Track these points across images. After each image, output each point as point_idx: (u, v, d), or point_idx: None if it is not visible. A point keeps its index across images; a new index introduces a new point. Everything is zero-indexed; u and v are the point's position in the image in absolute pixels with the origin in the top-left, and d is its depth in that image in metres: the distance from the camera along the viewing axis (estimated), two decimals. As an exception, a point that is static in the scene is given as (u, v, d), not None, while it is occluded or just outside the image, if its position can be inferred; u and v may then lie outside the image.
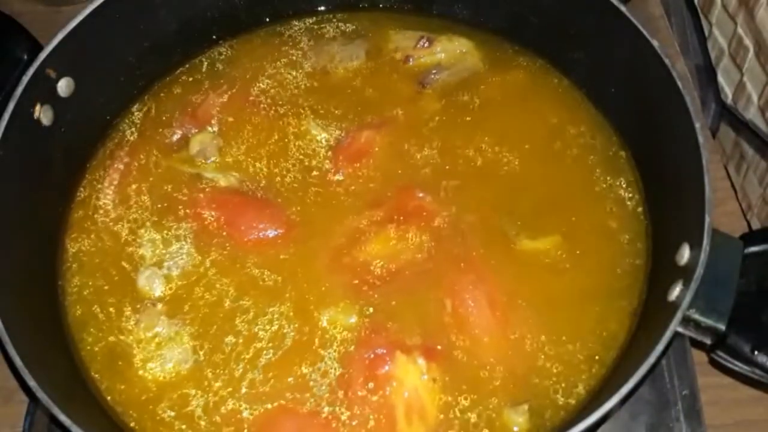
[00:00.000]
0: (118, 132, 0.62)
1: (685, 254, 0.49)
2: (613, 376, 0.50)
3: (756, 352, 0.48)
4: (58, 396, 0.45)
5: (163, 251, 0.56)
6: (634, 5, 0.69)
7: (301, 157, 0.60)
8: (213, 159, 0.60)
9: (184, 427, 0.50)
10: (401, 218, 0.56)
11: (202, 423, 0.50)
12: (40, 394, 0.45)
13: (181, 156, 0.60)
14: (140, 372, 0.52)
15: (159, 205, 0.58)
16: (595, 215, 0.57)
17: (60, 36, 0.54)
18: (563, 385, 0.51)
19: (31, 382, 0.45)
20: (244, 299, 0.54)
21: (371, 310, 0.53)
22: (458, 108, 0.62)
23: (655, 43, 0.53)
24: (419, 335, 0.52)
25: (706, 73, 0.72)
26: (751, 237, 0.51)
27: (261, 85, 0.64)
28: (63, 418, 0.44)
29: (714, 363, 0.52)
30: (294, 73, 0.64)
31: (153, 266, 0.55)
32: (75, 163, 0.60)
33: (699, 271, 0.46)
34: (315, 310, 0.53)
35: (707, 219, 0.47)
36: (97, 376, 0.52)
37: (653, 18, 0.75)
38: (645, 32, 0.54)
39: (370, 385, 0.50)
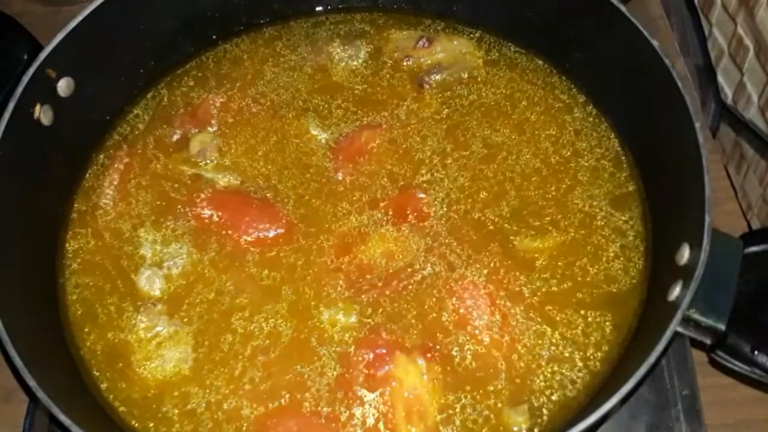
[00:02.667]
0: (118, 132, 0.62)
1: (685, 254, 0.49)
2: (613, 376, 0.50)
3: (756, 352, 0.48)
4: (58, 396, 0.45)
5: (163, 251, 0.56)
6: (634, 5, 0.69)
7: (300, 156, 0.60)
8: (213, 159, 0.60)
9: (185, 424, 0.50)
10: (401, 218, 0.56)
11: (204, 421, 0.50)
12: (40, 394, 0.45)
13: (181, 156, 0.60)
14: (141, 371, 0.52)
15: (159, 205, 0.58)
16: (594, 215, 0.57)
17: (60, 36, 0.54)
18: (563, 384, 0.51)
19: (31, 382, 0.45)
20: (244, 299, 0.54)
21: (371, 309, 0.53)
22: (458, 108, 0.62)
23: (655, 43, 0.53)
24: (419, 335, 0.52)
25: (706, 73, 0.72)
26: (750, 237, 0.51)
27: (261, 85, 0.64)
28: (63, 418, 0.44)
29: (714, 363, 0.52)
30: (294, 74, 0.64)
31: (153, 266, 0.55)
32: (75, 163, 0.60)
33: (699, 271, 0.46)
34: (314, 309, 0.53)
35: (707, 219, 0.47)
36: (98, 375, 0.52)
37: (653, 18, 0.75)
38: (645, 32, 0.54)
39: (370, 385, 0.50)
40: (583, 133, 0.60)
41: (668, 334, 0.45)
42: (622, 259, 0.55)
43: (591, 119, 0.61)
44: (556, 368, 0.51)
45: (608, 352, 0.52)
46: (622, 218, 0.56)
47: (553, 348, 0.52)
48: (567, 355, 0.52)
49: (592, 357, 0.52)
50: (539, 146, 0.60)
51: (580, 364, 0.51)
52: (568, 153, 0.59)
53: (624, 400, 0.44)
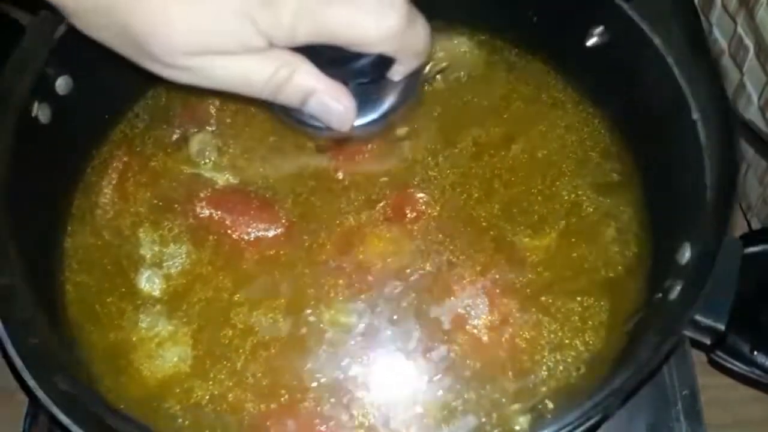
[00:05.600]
0: (117, 131, 0.62)
1: (686, 254, 0.49)
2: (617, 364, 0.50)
3: (755, 352, 0.48)
4: (58, 396, 0.45)
5: (162, 250, 0.56)
6: (635, 6, 0.69)
7: (299, 155, 0.60)
8: (212, 158, 0.60)
9: (188, 417, 0.50)
10: (400, 218, 0.56)
11: (207, 413, 0.50)
12: (40, 394, 0.45)
13: (180, 155, 0.60)
14: (143, 370, 0.52)
15: (158, 205, 0.58)
16: (581, 203, 0.57)
17: (58, 33, 0.54)
18: (568, 371, 0.51)
19: (31, 382, 0.45)
20: (243, 296, 0.54)
21: (370, 309, 0.53)
22: (458, 107, 0.61)
23: (656, 40, 0.53)
24: (418, 336, 0.52)
25: (706, 73, 0.72)
26: (750, 237, 0.51)
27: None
28: (63, 418, 0.44)
29: (713, 363, 0.52)
30: (292, 73, 0.64)
31: (152, 266, 0.55)
32: (74, 161, 0.60)
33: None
34: (314, 308, 0.53)
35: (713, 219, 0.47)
36: (99, 375, 0.52)
37: (653, 18, 0.75)
38: (647, 31, 0.54)
39: (369, 385, 0.50)
40: (574, 128, 0.60)
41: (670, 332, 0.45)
42: (619, 241, 0.55)
43: (584, 115, 0.61)
44: (558, 357, 0.51)
45: (606, 337, 0.52)
46: (611, 204, 0.57)
47: (552, 336, 0.52)
48: (567, 342, 0.52)
49: (591, 341, 0.52)
50: (528, 142, 0.59)
51: (581, 348, 0.52)
52: (555, 146, 0.59)
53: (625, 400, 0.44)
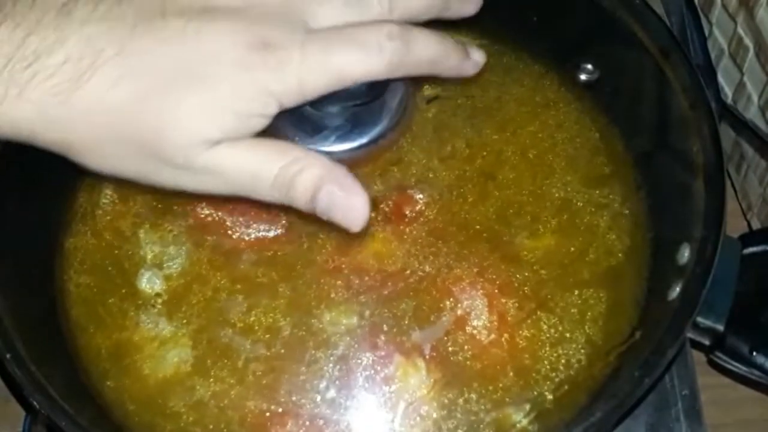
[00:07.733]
0: (118, 132, 0.62)
1: (685, 254, 0.49)
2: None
3: (754, 353, 0.48)
4: (58, 396, 0.45)
5: (163, 251, 0.56)
6: (635, 5, 0.69)
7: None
8: (212, 159, 0.60)
9: (191, 415, 0.50)
10: (399, 219, 0.56)
11: (210, 409, 0.50)
12: (39, 398, 0.45)
13: (180, 155, 0.60)
14: (145, 370, 0.52)
15: (157, 206, 0.58)
16: (571, 199, 0.57)
17: (59, 35, 0.54)
18: (566, 382, 0.51)
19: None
20: (243, 296, 0.54)
21: (369, 311, 0.53)
22: (457, 109, 0.61)
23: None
24: (418, 336, 0.52)
25: (706, 73, 0.72)
26: (749, 238, 0.51)
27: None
28: (63, 418, 0.44)
29: (713, 363, 0.52)
30: (292, 74, 0.64)
31: (153, 267, 0.55)
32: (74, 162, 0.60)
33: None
34: (314, 310, 0.53)
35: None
36: (101, 376, 0.52)
37: (653, 17, 0.75)
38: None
39: (369, 386, 0.51)
40: (565, 126, 0.60)
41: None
42: (615, 232, 0.55)
43: (576, 113, 0.61)
44: (560, 351, 0.51)
45: (604, 326, 0.52)
46: (601, 195, 0.57)
47: (552, 330, 0.52)
48: (568, 335, 0.52)
49: (591, 332, 0.52)
50: (519, 142, 0.59)
51: (582, 340, 0.52)
52: (547, 145, 0.59)
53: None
